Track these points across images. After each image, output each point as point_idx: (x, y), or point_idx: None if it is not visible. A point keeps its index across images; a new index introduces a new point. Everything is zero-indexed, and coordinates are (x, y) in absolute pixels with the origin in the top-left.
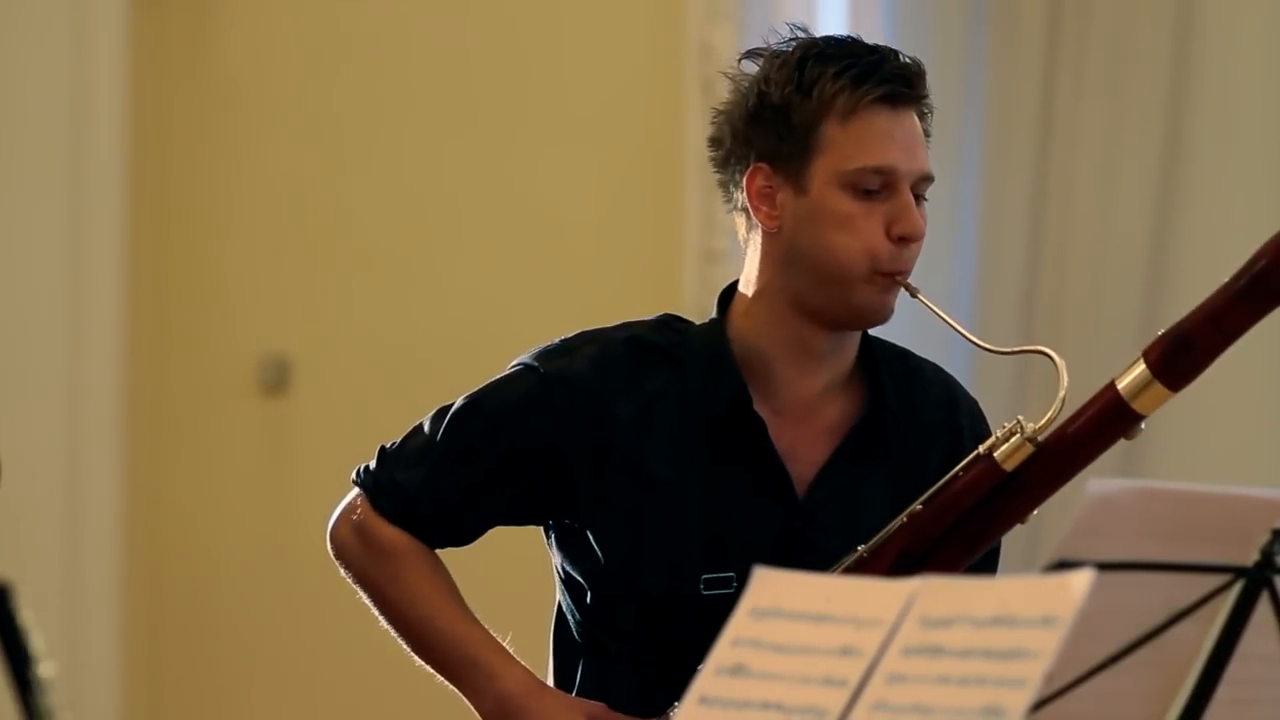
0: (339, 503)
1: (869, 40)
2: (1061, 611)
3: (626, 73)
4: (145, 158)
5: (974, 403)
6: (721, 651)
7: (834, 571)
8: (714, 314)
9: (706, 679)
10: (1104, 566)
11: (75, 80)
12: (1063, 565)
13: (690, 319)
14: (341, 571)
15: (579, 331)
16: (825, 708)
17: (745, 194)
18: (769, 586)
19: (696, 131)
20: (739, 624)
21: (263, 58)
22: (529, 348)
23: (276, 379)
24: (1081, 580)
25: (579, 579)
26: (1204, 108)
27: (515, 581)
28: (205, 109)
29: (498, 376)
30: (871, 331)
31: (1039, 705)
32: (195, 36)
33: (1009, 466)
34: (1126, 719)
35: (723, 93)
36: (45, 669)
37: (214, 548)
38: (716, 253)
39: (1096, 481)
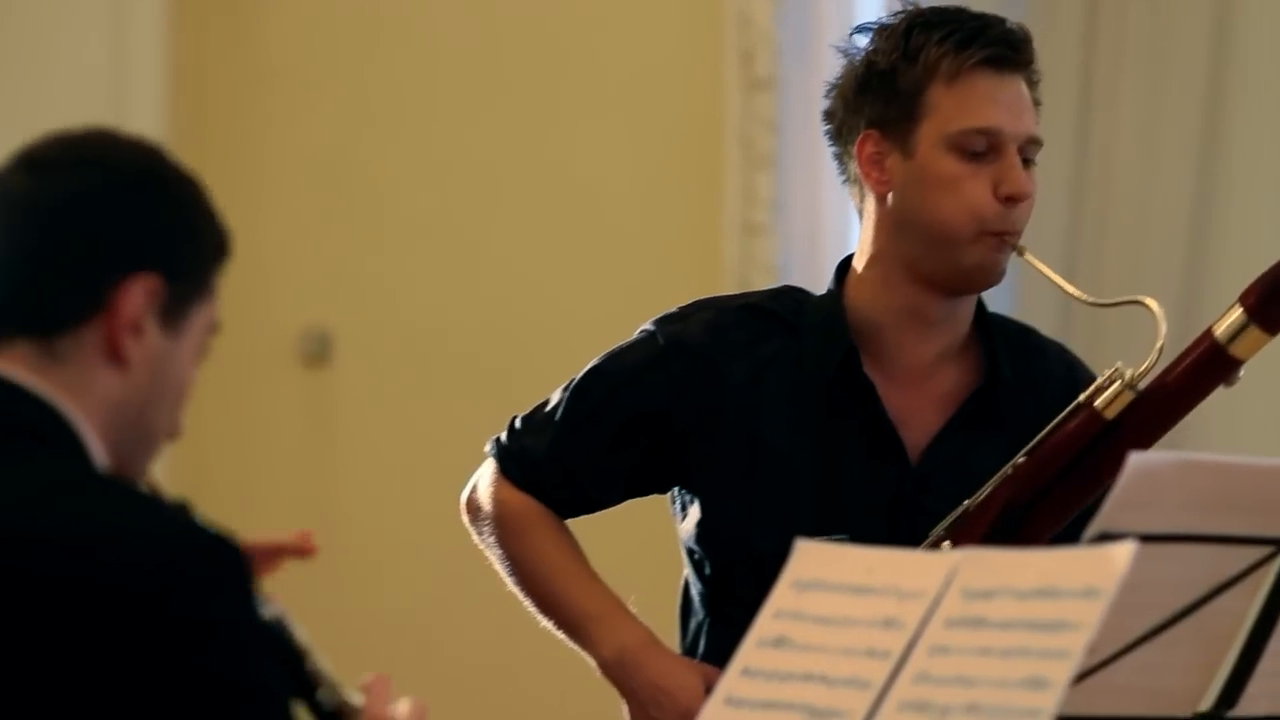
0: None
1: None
2: (1104, 583)
3: (665, 44)
4: (185, 134)
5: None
6: (764, 623)
7: (940, 527)
8: (830, 286)
9: (749, 651)
10: (1146, 539)
11: (115, 57)
12: (1105, 537)
13: (731, 292)
14: (474, 537)
15: (697, 299)
16: (868, 679)
17: (856, 161)
18: (811, 558)
19: (735, 103)
20: (781, 596)
21: (302, 32)
22: (568, 321)
23: (318, 352)
24: (1124, 552)
25: (698, 548)
26: (1245, 75)
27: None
28: (245, 84)
29: (621, 343)
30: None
31: (1081, 677)
32: (235, 11)
33: (1110, 415)
34: (1169, 691)
35: (762, 63)
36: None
37: (255, 520)
38: (756, 226)
39: (1138, 454)
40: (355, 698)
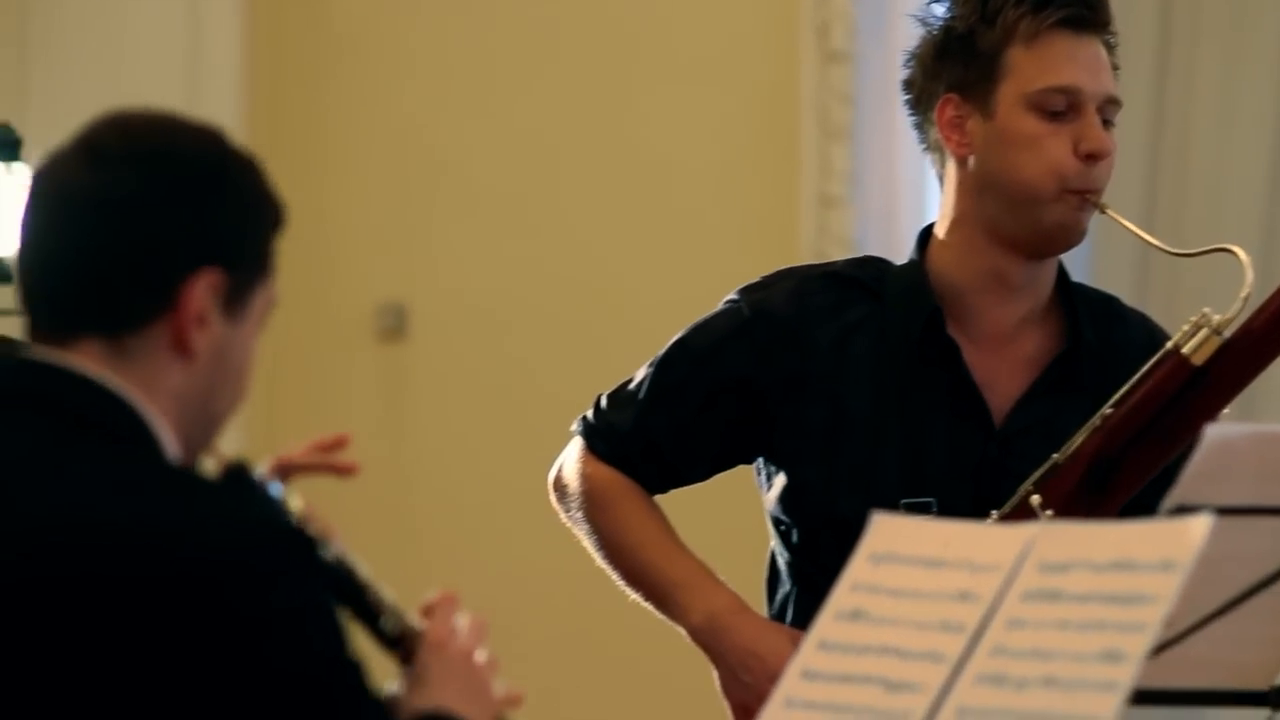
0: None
1: None
2: (1181, 556)
3: (742, 18)
4: (260, 109)
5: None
6: (840, 596)
7: (1028, 481)
8: (912, 254)
9: (825, 623)
10: (1223, 511)
11: (191, 27)
12: (1181, 510)
13: (812, 262)
14: (561, 515)
15: (781, 268)
16: (944, 652)
17: (937, 127)
18: (887, 531)
19: (812, 75)
20: (857, 569)
21: (378, 5)
22: (644, 295)
23: (393, 327)
24: (1201, 525)
25: (785, 517)
26: None
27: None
28: (320, 58)
29: (705, 314)
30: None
31: (1158, 650)
32: None
33: (1197, 361)
34: (1246, 664)
35: (838, 36)
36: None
37: (329, 498)
38: (832, 198)
39: (1215, 426)
40: (417, 622)
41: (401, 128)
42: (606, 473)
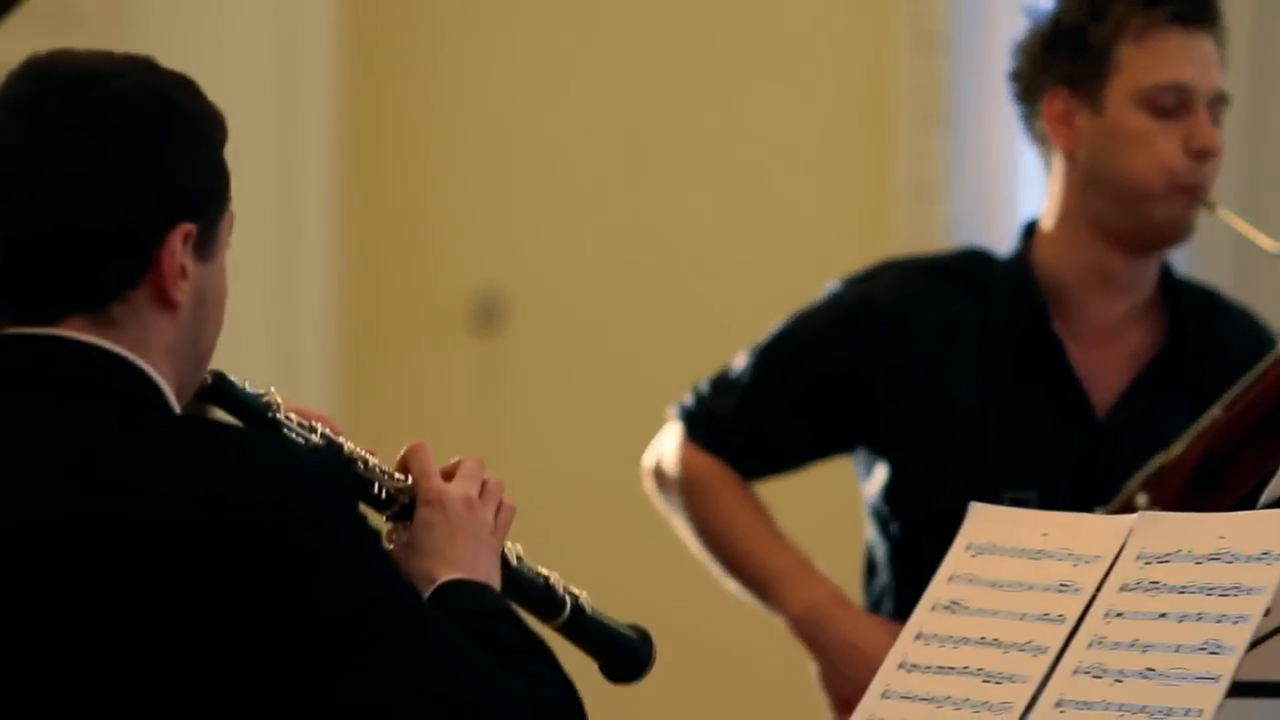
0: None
1: None
2: None
3: (837, 6)
4: (356, 93)
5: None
6: (938, 588)
7: (1134, 481)
8: (1017, 246)
9: (923, 615)
10: None
11: (283, 16)
12: None
13: (902, 254)
14: (657, 502)
15: (884, 260)
16: (1044, 643)
17: (1044, 120)
18: (985, 522)
19: (907, 66)
20: (955, 560)
21: None
22: (741, 285)
23: (489, 317)
24: None
25: (885, 508)
26: None
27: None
28: (415, 42)
29: (807, 304)
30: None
31: (1258, 641)
32: None
33: None
34: None
35: (934, 23)
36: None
37: None
38: (928, 188)
39: None
40: (411, 480)
41: (497, 115)
42: (706, 461)
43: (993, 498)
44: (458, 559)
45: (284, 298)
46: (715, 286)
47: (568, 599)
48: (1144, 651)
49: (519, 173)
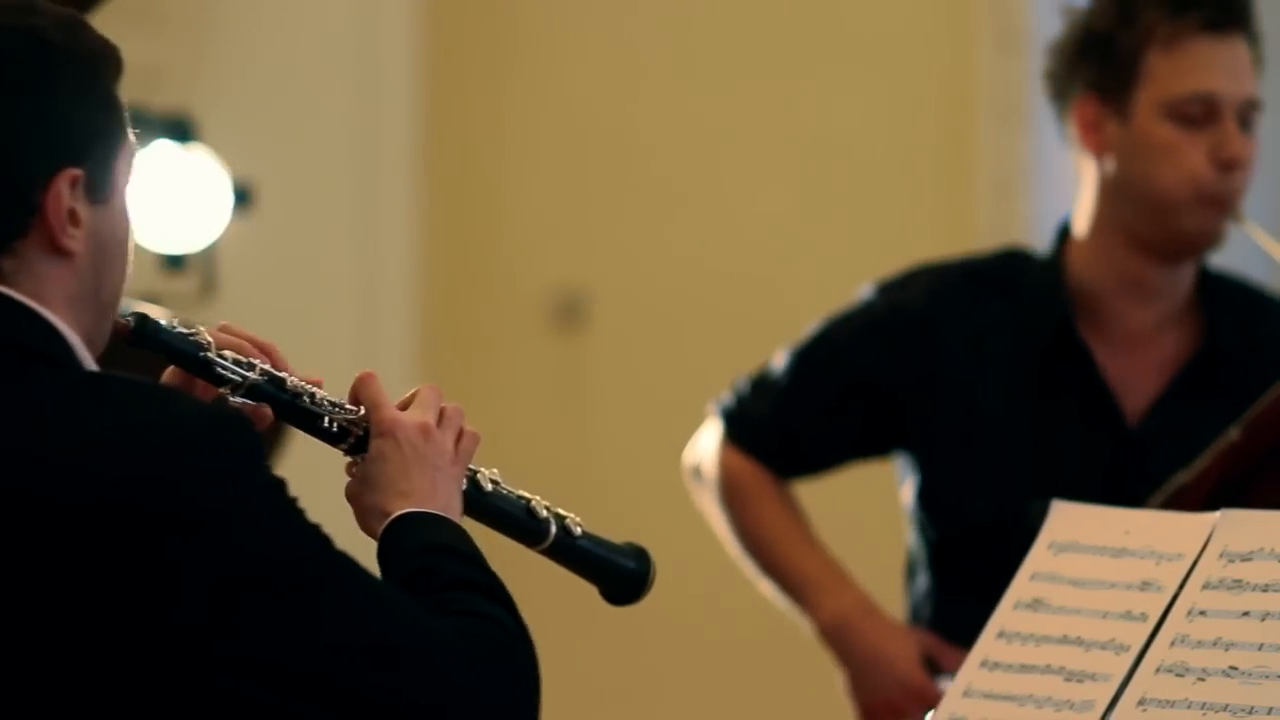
0: (705, 436)
1: None
2: None
3: (919, 5)
4: (440, 90)
5: None
6: (1020, 586)
7: (1153, 501)
8: (1051, 249)
9: (1004, 613)
10: None
11: (366, 15)
12: None
13: (942, 259)
14: (694, 496)
15: (919, 264)
16: (1126, 642)
17: (1074, 124)
18: (1067, 520)
19: (988, 62)
20: (1037, 558)
21: None
22: (821, 282)
23: (570, 315)
24: None
25: (921, 513)
26: None
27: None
28: (500, 39)
29: (842, 308)
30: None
31: None
32: None
33: None
34: None
35: (1015, 20)
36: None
37: None
38: (1010, 188)
39: None
40: (354, 411)
41: (580, 112)
42: (744, 463)
43: (1020, 508)
44: (413, 490)
45: (366, 296)
46: (796, 285)
47: (553, 522)
48: (1226, 650)
49: (601, 171)
